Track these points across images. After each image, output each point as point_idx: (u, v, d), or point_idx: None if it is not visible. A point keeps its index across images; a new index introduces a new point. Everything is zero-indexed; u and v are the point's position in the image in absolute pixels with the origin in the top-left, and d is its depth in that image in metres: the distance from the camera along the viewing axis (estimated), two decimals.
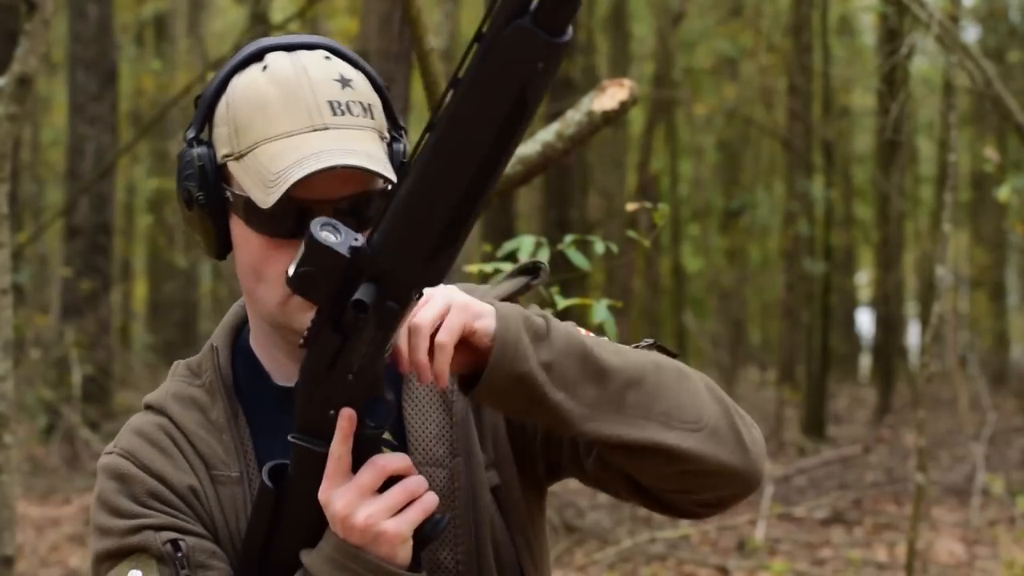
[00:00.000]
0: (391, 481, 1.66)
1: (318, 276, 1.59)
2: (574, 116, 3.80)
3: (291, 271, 1.60)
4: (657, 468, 1.71)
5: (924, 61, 15.78)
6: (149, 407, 1.87)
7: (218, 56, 9.91)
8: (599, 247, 3.82)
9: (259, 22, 11.66)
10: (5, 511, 3.57)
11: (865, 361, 23.00)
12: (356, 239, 1.58)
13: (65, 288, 11.99)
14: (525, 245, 3.65)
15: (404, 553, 1.68)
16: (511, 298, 1.81)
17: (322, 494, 1.67)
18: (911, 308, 22.72)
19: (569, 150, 3.86)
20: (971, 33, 16.73)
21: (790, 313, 14.89)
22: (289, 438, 1.69)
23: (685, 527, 8.08)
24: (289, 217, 1.73)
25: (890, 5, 7.18)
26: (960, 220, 19.53)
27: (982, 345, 20.95)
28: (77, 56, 12.02)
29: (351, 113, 1.76)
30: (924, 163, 21.13)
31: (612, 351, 1.71)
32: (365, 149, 1.73)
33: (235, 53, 1.84)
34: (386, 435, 1.73)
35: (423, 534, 1.69)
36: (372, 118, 1.78)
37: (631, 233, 3.93)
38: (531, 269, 1.83)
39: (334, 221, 1.61)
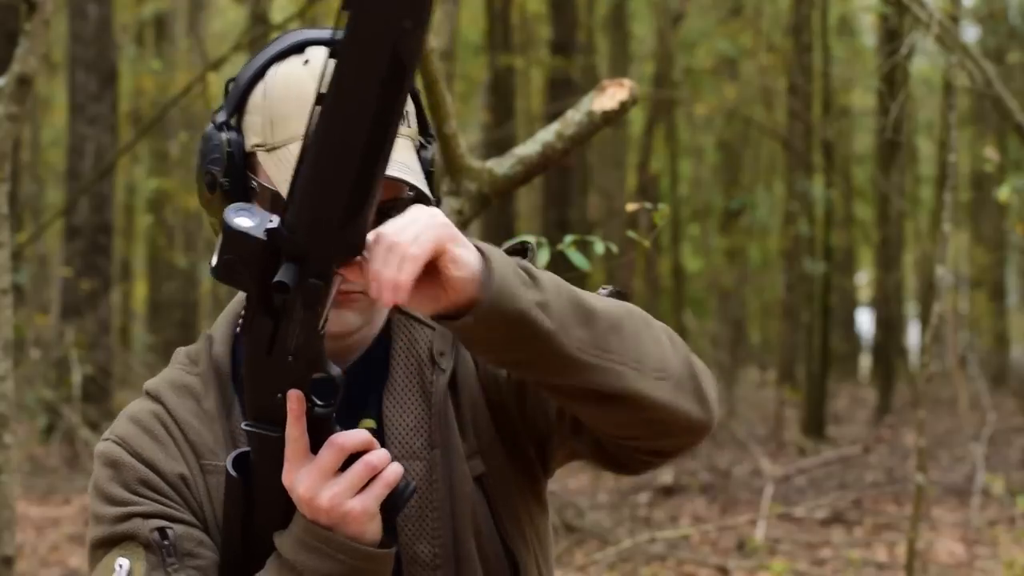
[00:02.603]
0: (353, 458, 1.64)
1: (238, 263, 1.58)
2: (574, 116, 3.80)
3: (213, 261, 1.59)
4: (624, 416, 1.69)
5: (924, 61, 15.77)
6: (147, 393, 1.88)
7: (218, 56, 9.89)
8: (599, 247, 3.82)
9: (259, 22, 11.66)
10: (5, 511, 3.57)
11: (865, 361, 23.01)
12: (271, 220, 1.57)
13: (65, 288, 11.99)
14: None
15: (373, 528, 1.67)
16: None
17: (285, 478, 1.66)
18: (911, 308, 22.72)
19: (569, 150, 3.85)
20: (971, 33, 16.72)
21: (790, 313, 14.90)
22: (242, 426, 1.69)
23: (685, 527, 8.07)
24: None
25: (890, 5, 7.18)
26: (960, 220, 19.52)
27: (982, 345, 20.94)
28: (77, 56, 12.02)
29: None
30: (924, 163, 21.13)
31: (591, 295, 1.69)
32: (401, 159, 1.73)
33: (274, 42, 1.81)
34: (371, 423, 1.74)
35: (391, 504, 1.68)
36: (409, 126, 1.78)
37: (631, 233, 3.93)
38: (519, 250, 1.80)
39: (248, 205, 1.60)
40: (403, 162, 1.73)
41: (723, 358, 15.67)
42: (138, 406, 1.88)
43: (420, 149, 1.81)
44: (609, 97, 3.76)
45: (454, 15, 5.97)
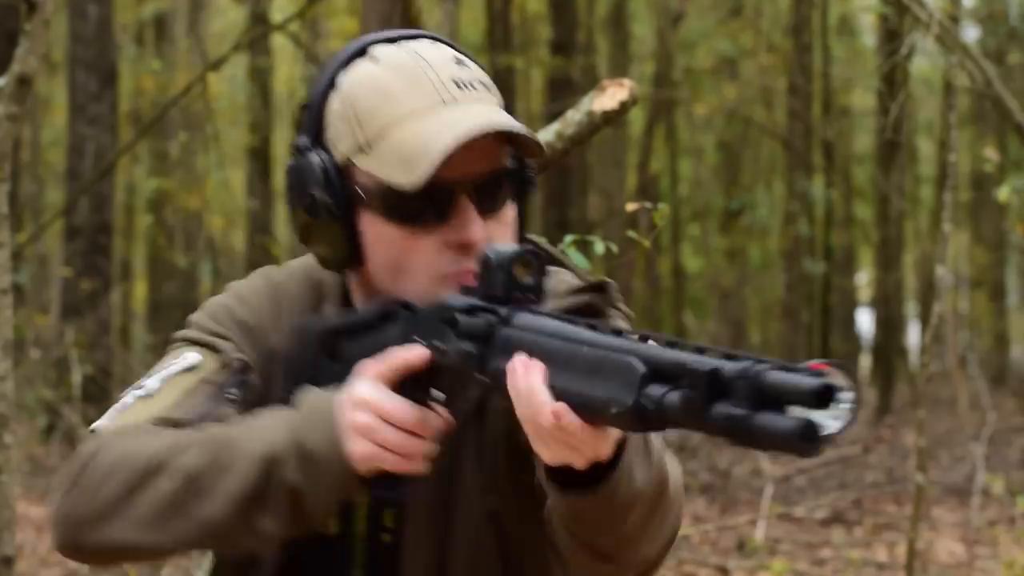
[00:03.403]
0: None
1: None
2: (574, 116, 3.80)
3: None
4: (600, 568, 1.65)
5: (924, 61, 15.77)
6: (290, 268, 1.87)
7: (218, 56, 9.89)
8: (599, 247, 3.82)
9: (259, 22, 11.66)
10: (5, 511, 3.57)
11: (865, 361, 23.00)
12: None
13: (65, 288, 11.98)
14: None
15: (352, 456, 1.62)
16: (574, 314, 1.70)
17: (364, 366, 1.64)
18: (911, 308, 22.72)
19: (569, 150, 3.85)
20: (971, 34, 16.73)
21: (790, 313, 14.90)
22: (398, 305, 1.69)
23: (685, 527, 8.07)
24: (430, 200, 1.68)
25: (890, 5, 7.18)
26: (960, 220, 19.52)
27: (982, 345, 20.94)
28: (77, 56, 12.02)
29: (475, 89, 1.71)
30: (924, 163, 21.12)
31: (667, 462, 1.64)
32: (503, 118, 1.67)
33: (332, 58, 1.77)
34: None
35: (378, 484, 1.65)
36: (492, 95, 1.74)
37: (631, 233, 3.93)
38: (598, 287, 1.75)
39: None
40: (506, 119, 1.67)
41: None
42: (280, 273, 1.87)
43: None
44: (609, 97, 3.76)
45: (454, 15, 5.98)
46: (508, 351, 1.53)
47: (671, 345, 1.42)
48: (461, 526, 1.75)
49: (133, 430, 1.70)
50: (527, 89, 16.55)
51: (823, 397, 1.29)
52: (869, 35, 19.97)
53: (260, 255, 16.43)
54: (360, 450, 1.60)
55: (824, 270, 14.43)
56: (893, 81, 10.17)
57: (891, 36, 12.04)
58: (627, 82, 3.81)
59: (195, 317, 1.82)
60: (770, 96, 15.85)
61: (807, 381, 1.30)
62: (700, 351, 1.38)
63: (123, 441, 1.68)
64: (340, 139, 1.72)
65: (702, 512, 9.10)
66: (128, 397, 1.74)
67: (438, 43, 1.75)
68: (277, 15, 13.73)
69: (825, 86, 14.88)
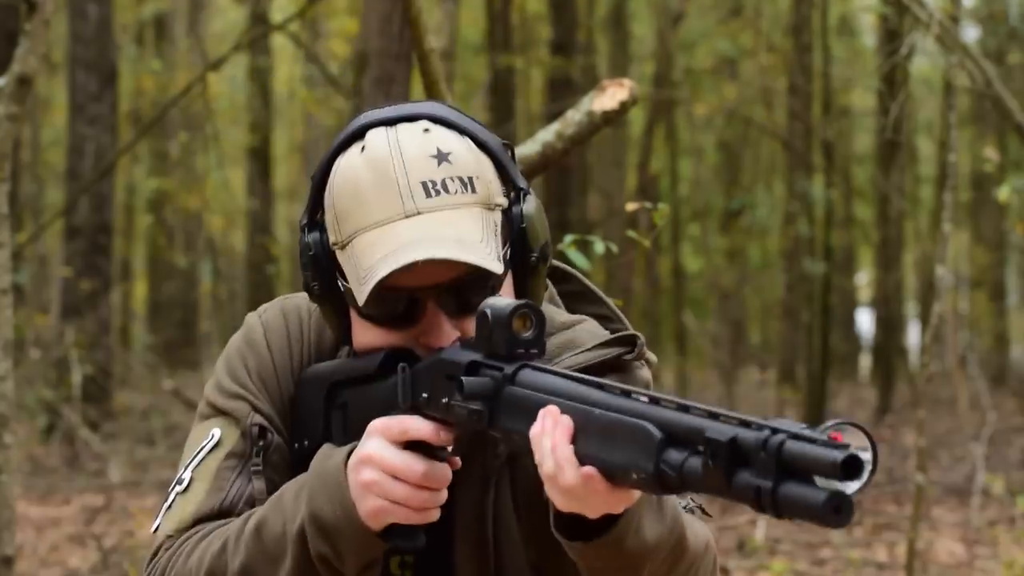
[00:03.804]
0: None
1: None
2: (574, 116, 3.80)
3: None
4: None
5: (924, 61, 15.77)
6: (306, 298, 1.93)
7: (218, 56, 9.88)
8: (599, 247, 3.82)
9: (259, 22, 11.65)
10: (5, 511, 3.57)
11: (865, 361, 22.99)
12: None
13: (65, 288, 11.97)
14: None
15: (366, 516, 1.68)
16: (599, 369, 1.75)
17: (377, 424, 1.70)
18: (911, 308, 22.71)
19: (569, 150, 3.86)
20: (971, 34, 16.72)
21: (790, 313, 14.90)
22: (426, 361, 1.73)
23: None
24: (397, 305, 1.73)
25: (890, 5, 7.18)
26: (960, 220, 19.51)
27: (982, 345, 20.93)
28: (77, 56, 12.01)
29: (447, 191, 1.73)
30: (924, 163, 21.11)
31: (688, 523, 1.68)
32: (456, 233, 1.70)
33: (344, 128, 1.81)
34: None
35: (394, 538, 1.71)
36: (473, 191, 1.74)
37: (631, 233, 3.93)
38: (628, 340, 1.79)
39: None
40: (454, 238, 1.70)
41: (723, 358, 15.67)
42: (295, 301, 1.92)
43: (492, 210, 1.77)
44: (609, 97, 3.77)
45: (454, 15, 5.97)
46: (517, 409, 1.57)
47: (682, 409, 1.44)
48: None
49: (187, 545, 1.80)
50: (527, 89, 16.55)
51: (851, 470, 1.31)
52: (869, 35, 19.97)
53: (260, 255, 16.44)
54: (370, 506, 1.67)
55: (824, 270, 14.42)
56: (893, 81, 10.17)
57: (891, 36, 12.03)
58: (627, 82, 3.81)
59: (217, 374, 1.89)
60: (770, 96, 15.83)
61: (832, 455, 1.32)
62: (713, 416, 1.41)
63: (180, 560, 1.79)
64: (330, 228, 1.78)
65: None
66: (171, 495, 1.85)
67: (433, 128, 1.77)
68: (277, 15, 13.73)
69: (825, 86, 14.87)
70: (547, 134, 3.84)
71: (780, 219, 16.55)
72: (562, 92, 13.48)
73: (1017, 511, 8.01)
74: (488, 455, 1.78)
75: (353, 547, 1.68)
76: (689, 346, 17.91)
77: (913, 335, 21.16)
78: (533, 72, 16.35)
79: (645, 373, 1.82)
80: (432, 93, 3.78)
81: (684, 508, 1.75)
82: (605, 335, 1.82)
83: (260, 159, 17.29)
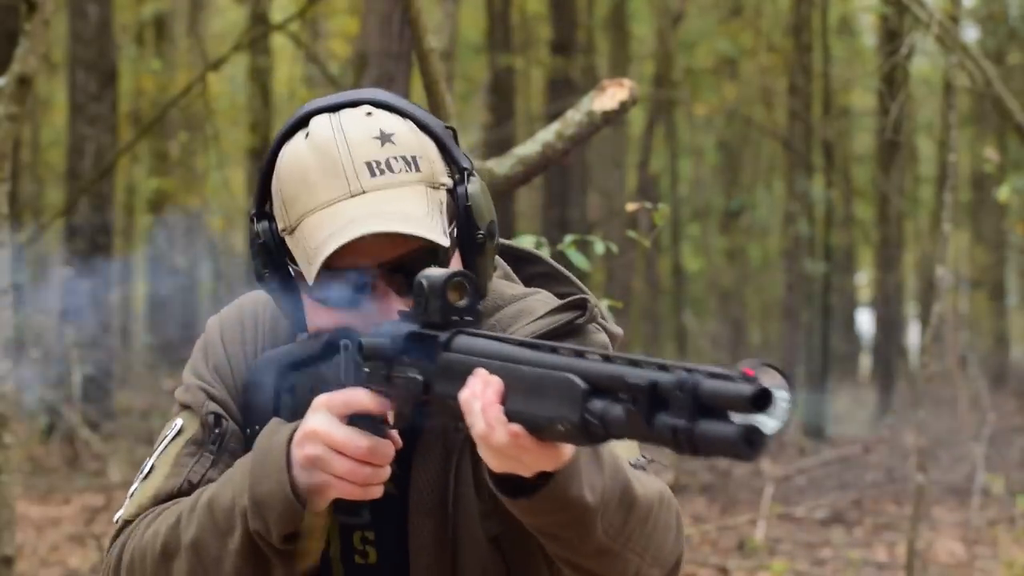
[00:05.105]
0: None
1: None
2: (574, 116, 3.80)
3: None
4: None
5: (924, 61, 15.76)
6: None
7: (218, 56, 9.88)
8: (599, 247, 3.82)
9: (259, 22, 11.65)
10: (5, 511, 3.57)
11: (865, 361, 22.99)
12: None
13: (65, 288, 11.97)
14: (525, 245, 3.65)
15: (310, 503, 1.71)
16: (551, 335, 1.78)
17: (322, 399, 1.72)
18: (911, 308, 22.71)
19: (569, 150, 3.86)
20: (971, 34, 16.71)
21: (790, 313, 14.89)
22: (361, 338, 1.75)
23: (685, 527, 8.05)
24: (343, 285, 1.75)
25: (890, 5, 7.18)
26: (960, 220, 19.51)
27: (982, 345, 20.93)
28: (77, 56, 12.01)
29: (391, 171, 1.76)
30: (924, 163, 21.11)
31: (635, 476, 1.69)
32: (401, 210, 1.73)
33: (288, 119, 1.84)
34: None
35: (340, 512, 1.74)
36: (417, 170, 1.77)
37: (631, 233, 3.93)
38: (579, 304, 1.81)
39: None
40: (399, 213, 1.73)
41: (723, 358, 15.66)
42: (253, 297, 1.96)
43: (455, 186, 1.80)
44: (609, 97, 3.77)
45: (454, 15, 5.98)
46: (451, 374, 1.59)
47: (606, 360, 1.46)
48: (466, 553, 1.80)
49: (144, 521, 1.84)
50: (527, 89, 16.54)
51: (761, 402, 1.33)
52: (869, 35, 19.97)
53: None
54: (311, 481, 1.69)
55: (824, 270, 14.43)
56: (893, 81, 10.17)
57: (891, 36, 12.03)
58: (627, 82, 3.82)
59: (185, 371, 1.95)
60: (770, 96, 15.84)
61: (744, 388, 1.34)
62: (635, 364, 1.42)
63: (137, 535, 1.83)
64: (277, 215, 1.81)
65: (702, 512, 9.10)
66: (135, 483, 1.90)
67: (375, 112, 1.80)
68: (277, 15, 13.72)
69: (825, 86, 14.88)
70: (547, 134, 3.84)
71: (780, 219, 16.55)
72: (562, 92, 13.48)
73: (1017, 511, 8.01)
74: (448, 429, 1.79)
75: (277, 517, 1.69)
76: (689, 346, 17.91)
77: (913, 335, 21.16)
78: (533, 72, 16.35)
79: (601, 337, 1.84)
80: (432, 93, 3.78)
81: (635, 465, 1.76)
82: (557, 303, 1.85)
83: (260, 159, 17.29)
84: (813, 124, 14.55)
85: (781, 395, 1.36)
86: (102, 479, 9.86)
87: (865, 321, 23.78)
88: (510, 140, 12.38)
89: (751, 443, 1.34)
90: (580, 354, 1.49)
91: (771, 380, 1.37)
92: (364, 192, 1.74)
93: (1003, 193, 6.09)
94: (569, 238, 3.78)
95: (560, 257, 3.71)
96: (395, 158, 1.76)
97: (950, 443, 12.41)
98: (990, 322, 21.52)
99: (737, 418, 1.35)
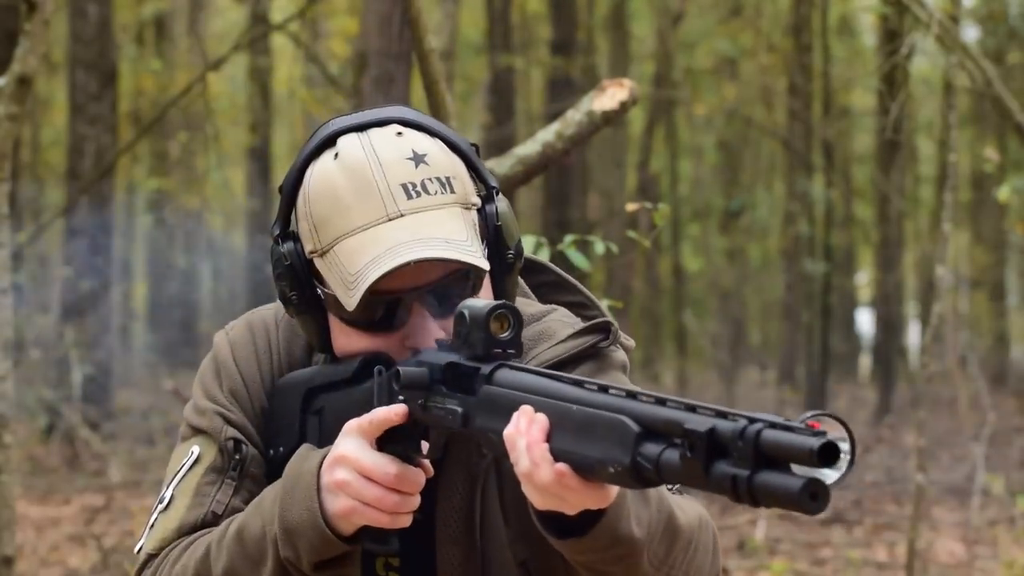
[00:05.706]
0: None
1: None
2: (574, 116, 3.80)
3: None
4: None
5: (924, 61, 15.76)
6: (274, 309, 1.94)
7: (218, 56, 9.88)
8: (599, 247, 3.82)
9: (259, 22, 11.65)
10: (5, 511, 3.57)
11: (865, 361, 22.99)
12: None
13: (65, 288, 11.98)
14: (528, 251, 3.66)
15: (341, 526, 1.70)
16: (575, 358, 1.77)
17: (353, 423, 1.70)
18: (911, 308, 22.71)
19: (569, 150, 3.86)
20: (971, 34, 16.71)
21: (790, 313, 14.90)
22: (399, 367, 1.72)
23: None
24: (380, 309, 1.74)
25: (890, 5, 7.17)
26: (960, 220, 19.51)
27: (982, 345, 20.93)
28: (77, 56, 12.01)
29: (427, 192, 1.74)
30: (924, 163, 21.11)
31: (676, 503, 1.68)
32: (443, 234, 1.71)
33: (311, 137, 1.81)
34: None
35: (368, 539, 1.71)
36: (452, 191, 1.76)
37: (631, 233, 3.93)
38: (603, 327, 1.79)
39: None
40: (442, 237, 1.71)
41: (723, 358, 15.67)
42: (262, 313, 1.93)
43: (484, 205, 1.79)
44: (609, 97, 3.77)
45: (454, 15, 5.98)
46: (493, 408, 1.57)
47: (659, 403, 1.45)
48: None
49: (172, 555, 1.81)
50: (527, 89, 16.54)
51: (828, 456, 1.32)
52: (869, 35, 19.96)
53: (260, 255, 16.43)
54: (341, 506, 1.67)
55: (824, 270, 14.43)
56: (893, 81, 10.16)
57: (891, 36, 12.03)
58: (627, 82, 3.82)
59: (193, 395, 1.91)
60: (770, 96, 15.83)
61: (810, 441, 1.32)
62: (691, 409, 1.41)
63: (165, 570, 1.80)
64: (305, 237, 1.79)
65: None
66: (154, 514, 1.86)
67: (405, 131, 1.78)
68: (277, 15, 13.72)
69: (825, 86, 14.88)
70: (547, 134, 3.84)
71: (780, 219, 16.55)
72: (562, 92, 13.48)
73: (1017, 511, 8.01)
74: (474, 455, 1.78)
75: (308, 545, 1.68)
76: (689, 346, 17.92)
77: (913, 335, 21.16)
78: (533, 72, 16.35)
79: (620, 356, 1.83)
80: (432, 93, 3.78)
81: (671, 490, 1.75)
82: (577, 322, 1.84)
83: (260, 159, 17.28)
84: (813, 124, 14.55)
85: (844, 447, 1.35)
86: (102, 479, 9.86)
87: (865, 321, 23.78)
88: (510, 140, 12.38)
89: (814, 497, 1.32)
90: (632, 395, 1.47)
91: (833, 431, 1.36)
92: (402, 215, 1.71)
93: (1003, 193, 6.08)
94: (569, 238, 3.77)
95: (560, 257, 3.71)
96: (430, 179, 1.74)
97: (950, 443, 12.41)
98: (990, 322, 21.52)
99: (799, 470, 1.34)
